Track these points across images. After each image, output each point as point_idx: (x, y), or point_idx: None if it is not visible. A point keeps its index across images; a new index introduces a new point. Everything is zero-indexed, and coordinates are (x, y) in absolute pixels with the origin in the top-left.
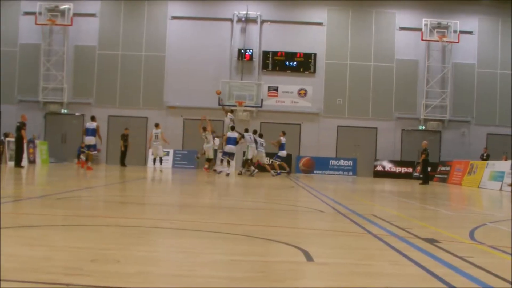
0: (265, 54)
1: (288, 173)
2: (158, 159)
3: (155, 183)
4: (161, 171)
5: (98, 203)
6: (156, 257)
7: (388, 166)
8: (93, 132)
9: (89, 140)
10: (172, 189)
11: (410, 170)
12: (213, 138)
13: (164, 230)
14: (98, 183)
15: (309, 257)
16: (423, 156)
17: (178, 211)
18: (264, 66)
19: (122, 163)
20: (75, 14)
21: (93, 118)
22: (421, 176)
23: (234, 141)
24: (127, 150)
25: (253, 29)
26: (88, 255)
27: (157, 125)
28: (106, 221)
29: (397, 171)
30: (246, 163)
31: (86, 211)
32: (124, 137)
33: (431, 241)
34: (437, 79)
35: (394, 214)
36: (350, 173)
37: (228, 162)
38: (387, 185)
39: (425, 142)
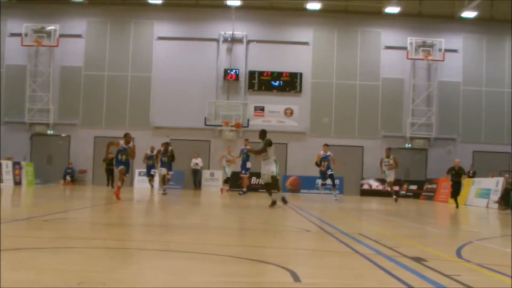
0: (251, 74)
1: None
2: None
3: (142, 204)
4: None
5: (84, 225)
6: (144, 279)
7: (375, 185)
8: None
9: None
10: (158, 210)
11: (396, 188)
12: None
13: (152, 252)
14: (84, 204)
15: (296, 278)
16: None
17: (165, 232)
18: (250, 86)
19: (108, 184)
20: (61, 35)
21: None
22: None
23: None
24: (110, 172)
25: (239, 49)
26: (75, 278)
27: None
28: (93, 243)
29: (383, 189)
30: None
31: (73, 233)
32: (106, 161)
33: (418, 259)
34: (423, 97)
35: (381, 233)
36: (337, 192)
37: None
38: (374, 203)
39: (457, 160)
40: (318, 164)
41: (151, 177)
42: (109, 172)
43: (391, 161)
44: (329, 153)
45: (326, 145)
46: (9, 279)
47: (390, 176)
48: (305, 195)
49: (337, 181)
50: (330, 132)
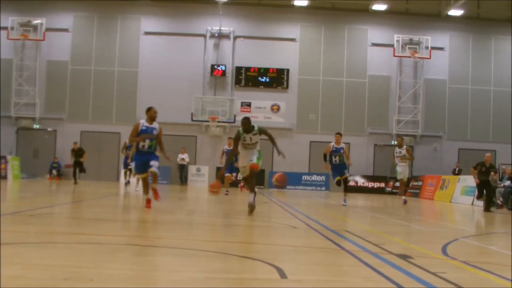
0: (238, 69)
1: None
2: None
3: (128, 199)
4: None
5: (71, 220)
6: (130, 275)
7: (361, 181)
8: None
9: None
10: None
11: (382, 185)
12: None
13: (138, 248)
14: (70, 199)
15: (282, 274)
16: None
17: (152, 227)
18: (237, 81)
19: (75, 181)
20: (47, 29)
21: None
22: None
23: None
24: (77, 165)
25: (226, 45)
26: (61, 273)
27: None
28: (79, 238)
29: (369, 186)
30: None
31: (59, 228)
32: (73, 152)
33: (404, 257)
34: (409, 94)
35: (367, 230)
36: (323, 188)
37: None
38: (360, 200)
39: (488, 154)
40: (325, 159)
41: (127, 169)
42: (76, 165)
43: (404, 151)
44: (342, 145)
45: (339, 134)
46: None
47: (403, 173)
48: (291, 191)
49: (322, 178)
50: (317, 128)
